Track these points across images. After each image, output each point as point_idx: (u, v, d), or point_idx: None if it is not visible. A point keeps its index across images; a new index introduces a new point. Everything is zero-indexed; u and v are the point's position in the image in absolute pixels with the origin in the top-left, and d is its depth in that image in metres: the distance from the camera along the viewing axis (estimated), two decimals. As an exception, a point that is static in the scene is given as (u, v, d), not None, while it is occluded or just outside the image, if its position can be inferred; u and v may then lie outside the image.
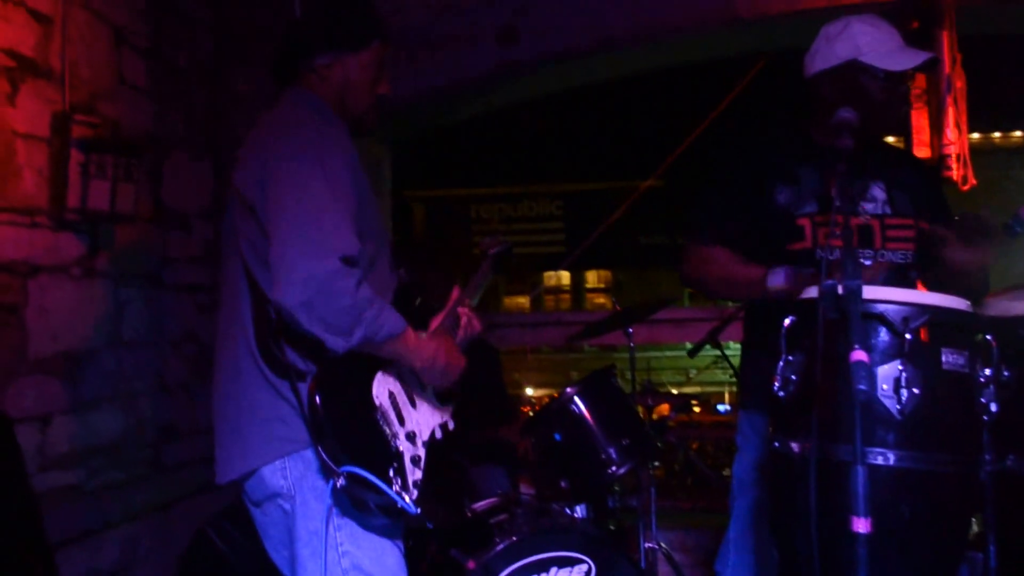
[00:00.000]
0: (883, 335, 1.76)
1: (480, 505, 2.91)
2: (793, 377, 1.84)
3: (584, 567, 2.64)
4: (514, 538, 2.59)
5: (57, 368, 3.06)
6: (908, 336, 1.71)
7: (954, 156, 3.60)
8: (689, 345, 3.86)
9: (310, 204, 1.76)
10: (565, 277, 18.45)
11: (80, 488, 3.17)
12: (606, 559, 2.66)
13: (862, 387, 1.47)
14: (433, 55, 4.09)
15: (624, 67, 4.62)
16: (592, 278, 19.02)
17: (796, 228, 2.32)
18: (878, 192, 2.39)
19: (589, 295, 18.89)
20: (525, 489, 3.18)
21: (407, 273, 2.15)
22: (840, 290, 1.58)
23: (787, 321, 1.84)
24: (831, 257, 2.01)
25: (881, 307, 1.74)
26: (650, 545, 3.32)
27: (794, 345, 1.85)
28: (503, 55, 4.07)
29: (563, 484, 2.89)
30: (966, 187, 3.60)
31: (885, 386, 1.72)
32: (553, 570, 2.61)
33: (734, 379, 2.86)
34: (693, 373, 13.60)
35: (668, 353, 13.55)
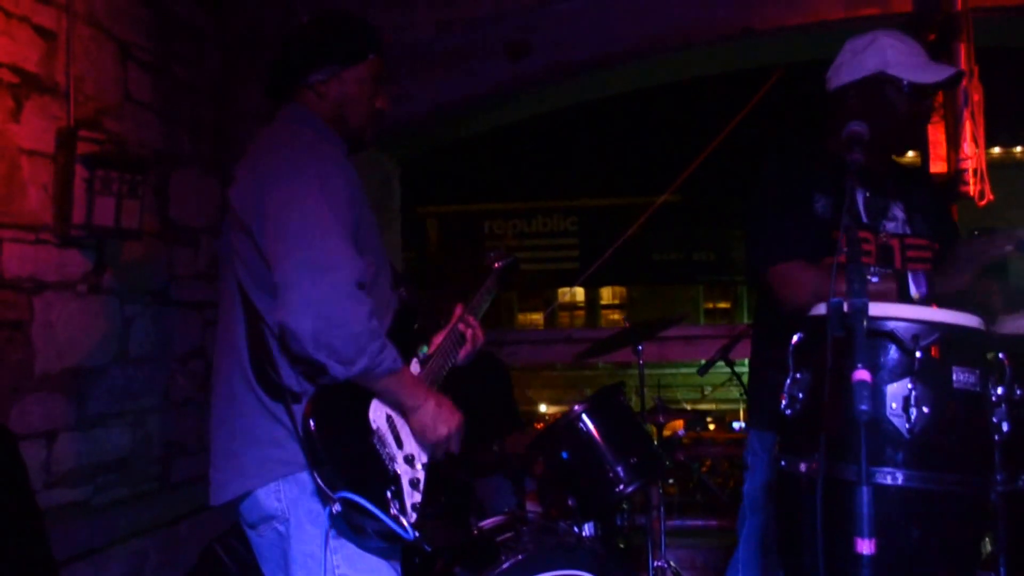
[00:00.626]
0: (892, 353, 1.72)
1: (487, 523, 2.87)
2: (800, 395, 1.81)
3: (589, 585, 2.59)
4: (519, 556, 2.55)
5: (63, 384, 3.05)
6: (918, 354, 1.68)
7: (971, 171, 3.54)
8: (703, 362, 3.82)
9: (315, 226, 1.73)
10: (580, 293, 18.42)
11: (86, 504, 3.16)
12: (613, 578, 2.62)
13: (864, 407, 1.43)
14: (443, 70, 4.09)
15: (636, 80, 4.60)
16: (607, 294, 18.99)
17: (833, 241, 2.27)
18: (898, 212, 2.38)
19: (604, 311, 18.85)
20: (532, 507, 3.14)
21: (410, 292, 2.12)
22: (845, 307, 1.54)
23: (795, 338, 1.81)
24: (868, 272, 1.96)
25: (891, 324, 1.71)
26: (659, 564, 3.27)
27: (802, 363, 1.82)
28: (513, 70, 4.06)
29: (570, 502, 2.85)
30: (983, 202, 3.54)
31: (894, 404, 1.69)
32: (558, 588, 2.57)
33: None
34: (708, 390, 13.51)
35: (683, 370, 13.47)
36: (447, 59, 4.07)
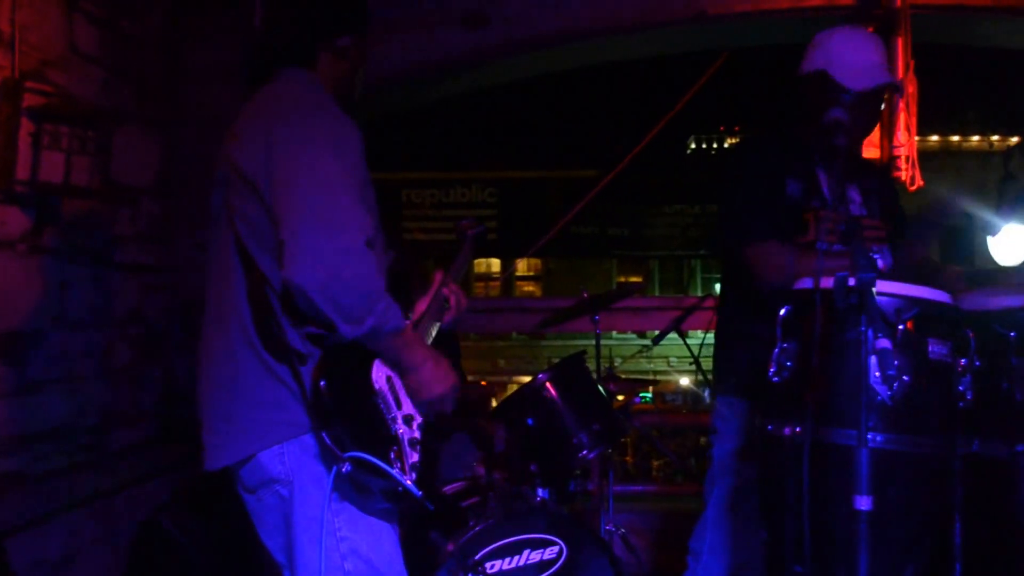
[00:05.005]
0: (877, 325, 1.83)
1: (449, 488, 2.91)
2: (788, 363, 1.91)
3: (556, 548, 2.68)
4: (490, 521, 2.61)
5: (0, 349, 2.91)
6: (900, 327, 1.80)
7: (903, 158, 3.77)
8: (654, 333, 3.95)
9: (327, 183, 1.73)
10: (496, 265, 18.50)
11: (23, 474, 3.04)
12: (576, 540, 2.71)
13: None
14: (398, 39, 4.04)
15: (589, 57, 4.64)
16: (522, 266, 19.18)
17: (803, 222, 2.38)
18: (854, 195, 2.52)
19: (519, 283, 19.02)
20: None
21: (400, 256, 2.13)
22: (852, 282, 1.64)
23: (783, 311, 1.91)
24: (834, 250, 2.09)
25: (877, 299, 1.82)
26: (609, 527, 3.38)
27: (789, 333, 1.92)
28: (469, 42, 4.05)
29: (533, 468, 2.92)
30: (913, 187, 3.77)
31: (878, 373, 1.81)
32: (526, 552, 2.64)
33: (691, 366, 2.93)
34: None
35: (614, 341, 13.61)
36: (403, 28, 4.02)
